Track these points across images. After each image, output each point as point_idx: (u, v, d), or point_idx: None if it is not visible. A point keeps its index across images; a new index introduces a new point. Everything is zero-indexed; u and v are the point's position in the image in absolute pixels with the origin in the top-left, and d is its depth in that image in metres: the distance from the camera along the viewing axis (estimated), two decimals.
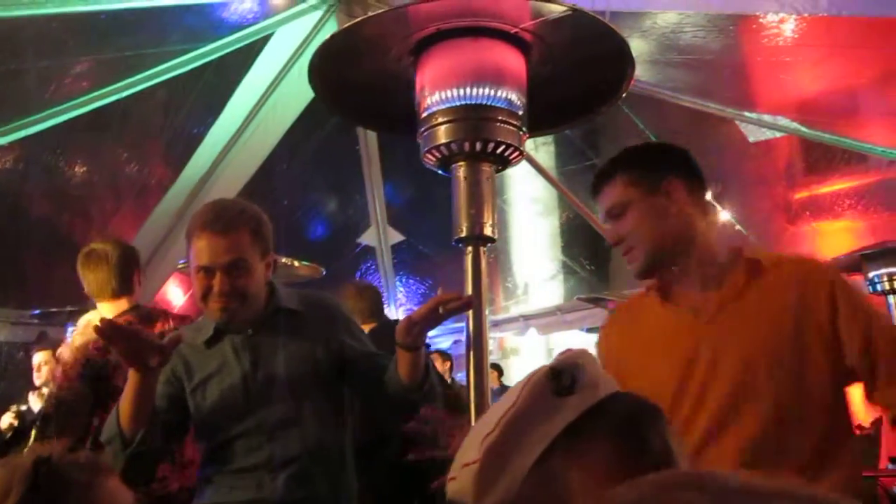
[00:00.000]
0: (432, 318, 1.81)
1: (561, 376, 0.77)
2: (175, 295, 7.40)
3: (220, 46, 5.75)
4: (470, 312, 1.90)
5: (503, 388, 9.08)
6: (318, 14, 5.67)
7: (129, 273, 2.77)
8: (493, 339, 9.51)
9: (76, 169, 6.45)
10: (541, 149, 7.43)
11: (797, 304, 1.54)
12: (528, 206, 8.79)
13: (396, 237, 8.24)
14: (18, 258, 6.23)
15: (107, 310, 2.74)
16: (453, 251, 1.95)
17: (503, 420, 0.78)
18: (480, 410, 1.85)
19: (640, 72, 5.57)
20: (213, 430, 1.98)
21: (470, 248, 1.90)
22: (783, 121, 5.76)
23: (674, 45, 5.16)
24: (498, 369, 9.09)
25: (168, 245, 6.57)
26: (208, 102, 6.32)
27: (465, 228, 1.89)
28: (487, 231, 1.90)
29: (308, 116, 6.13)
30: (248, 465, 1.93)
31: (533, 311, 9.02)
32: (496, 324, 9.30)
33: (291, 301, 2.05)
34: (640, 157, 1.74)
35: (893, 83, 4.85)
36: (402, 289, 8.97)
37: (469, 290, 1.90)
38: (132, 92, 5.67)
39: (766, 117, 5.78)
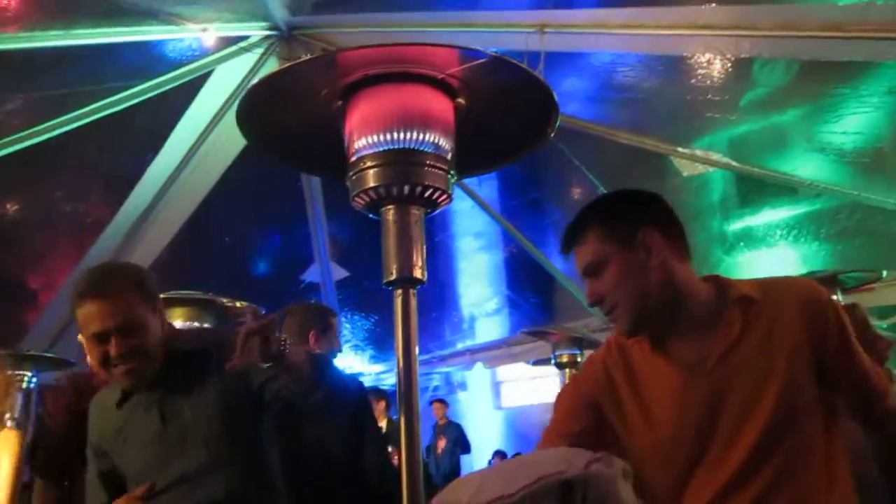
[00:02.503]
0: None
1: (573, 490, 0.77)
2: None
3: (158, 84, 5.72)
4: (400, 353, 1.91)
5: (450, 425, 9.05)
6: (259, 52, 5.69)
7: None
8: (439, 373, 9.50)
9: (9, 207, 6.30)
10: (484, 184, 7.52)
11: (805, 334, 1.50)
12: (473, 241, 8.86)
13: (341, 273, 8.21)
14: None
15: None
16: None
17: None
18: (411, 452, 1.84)
19: (577, 109, 5.72)
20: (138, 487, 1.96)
21: (400, 291, 1.91)
22: (715, 155, 5.94)
23: (608, 84, 5.31)
24: (444, 403, 9.06)
25: None
26: (148, 140, 6.25)
27: (394, 271, 1.90)
28: (417, 273, 1.90)
29: (250, 152, 6.09)
30: None
31: (479, 345, 9.04)
32: (442, 359, 9.30)
33: (188, 343, 2.04)
34: (610, 209, 1.64)
35: (816, 119, 5.05)
36: (347, 325, 8.91)
37: (399, 333, 1.90)
38: (68, 129, 5.58)
39: (699, 152, 5.95)
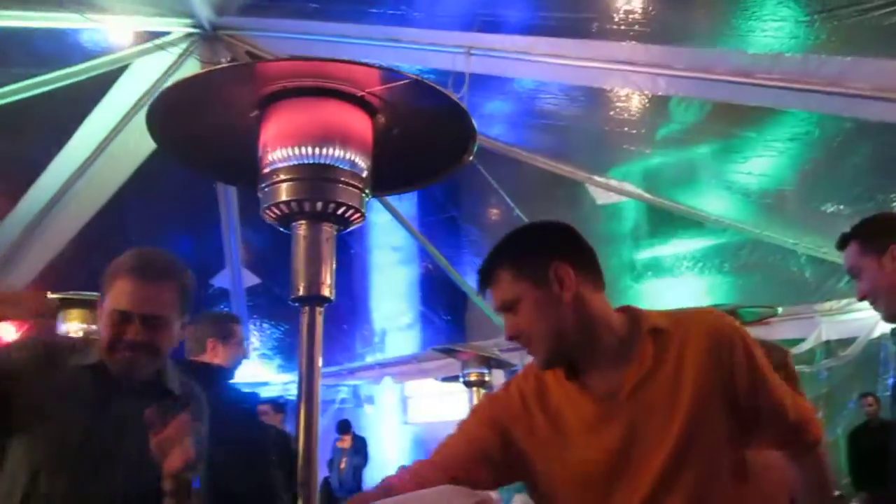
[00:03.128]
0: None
1: None
2: (6, 331, 6.88)
3: (71, 73, 5.50)
4: (303, 371, 1.88)
5: (356, 438, 8.96)
6: (179, 49, 5.55)
7: None
8: (347, 386, 9.41)
9: None
10: (403, 199, 7.53)
11: (712, 367, 1.52)
12: (389, 255, 8.85)
13: (252, 280, 8.05)
14: None
15: None
16: None
17: None
18: (307, 471, 1.81)
19: (499, 132, 5.79)
20: (41, 465, 1.74)
21: (306, 309, 1.88)
22: (629, 186, 6.11)
23: (530, 110, 5.41)
24: (348, 431, 8.92)
25: (2, 276, 6.14)
26: (56, 131, 6.00)
27: (302, 288, 1.87)
28: (325, 292, 1.88)
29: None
30: None
31: (389, 360, 9.01)
32: (351, 371, 9.22)
33: (174, 382, 1.93)
34: (520, 246, 1.61)
35: (725, 159, 5.26)
36: (256, 333, 8.75)
37: (303, 351, 1.87)
38: None
39: (614, 182, 6.11)
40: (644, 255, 7.30)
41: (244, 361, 3.65)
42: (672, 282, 7.15)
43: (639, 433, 1.51)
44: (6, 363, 1.78)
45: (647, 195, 6.19)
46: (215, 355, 3.34)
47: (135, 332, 1.76)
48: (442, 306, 8.72)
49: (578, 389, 1.58)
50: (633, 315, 1.59)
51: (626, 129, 5.15)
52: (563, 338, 1.54)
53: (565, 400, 1.59)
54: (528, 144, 5.93)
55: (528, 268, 1.55)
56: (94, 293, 3.86)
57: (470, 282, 7.73)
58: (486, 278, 1.60)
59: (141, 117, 5.66)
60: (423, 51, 4.94)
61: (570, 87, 4.90)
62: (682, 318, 1.58)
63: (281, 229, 1.96)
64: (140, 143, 5.79)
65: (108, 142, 5.91)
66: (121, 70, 5.72)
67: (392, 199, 7.14)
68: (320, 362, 1.88)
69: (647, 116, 5.08)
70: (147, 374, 1.85)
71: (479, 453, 1.58)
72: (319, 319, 1.89)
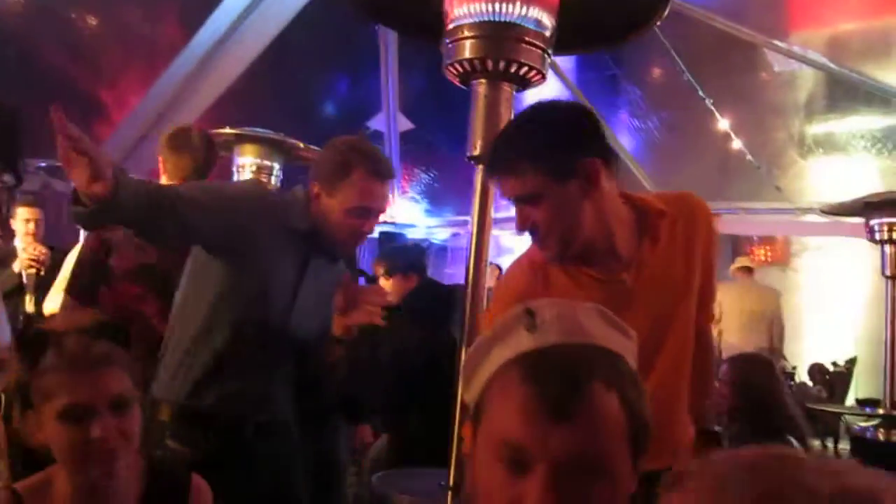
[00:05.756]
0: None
1: (534, 315, 0.87)
2: None
3: None
4: (474, 228, 1.94)
5: None
6: None
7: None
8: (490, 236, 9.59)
9: (88, 21, 6.31)
10: None
11: (705, 251, 1.61)
12: None
13: (406, 125, 8.15)
14: (25, 106, 6.17)
15: None
16: (462, 145, 1.94)
17: (482, 338, 0.93)
18: (471, 327, 1.91)
19: None
20: (242, 307, 1.96)
21: (481, 167, 1.91)
22: (812, 54, 5.64)
23: None
24: (498, 268, 9.16)
25: (175, 110, 6.51)
26: None
27: (479, 147, 1.89)
28: None
29: None
30: (254, 362, 2.00)
31: None
32: (496, 221, 9.33)
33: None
34: (546, 137, 1.45)
35: None
36: (406, 177, 8.96)
37: (476, 207, 1.93)
38: None
39: (796, 48, 5.66)
40: (816, 129, 6.81)
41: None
42: (843, 160, 6.69)
43: (655, 313, 1.52)
44: (231, 209, 1.92)
45: (831, 65, 5.70)
46: None
47: (371, 225, 2.00)
48: None
49: (584, 274, 1.52)
50: (633, 201, 1.56)
51: None
52: (580, 234, 1.47)
53: (569, 283, 1.53)
54: (704, 2, 5.53)
55: (554, 162, 1.43)
56: (267, 131, 4.06)
57: (623, 142, 7.52)
58: (502, 166, 1.48)
59: None
60: None
61: None
62: (676, 201, 1.59)
63: (461, 86, 1.97)
64: None
65: None
66: None
67: None
68: (492, 220, 1.93)
69: None
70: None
71: None
72: None
